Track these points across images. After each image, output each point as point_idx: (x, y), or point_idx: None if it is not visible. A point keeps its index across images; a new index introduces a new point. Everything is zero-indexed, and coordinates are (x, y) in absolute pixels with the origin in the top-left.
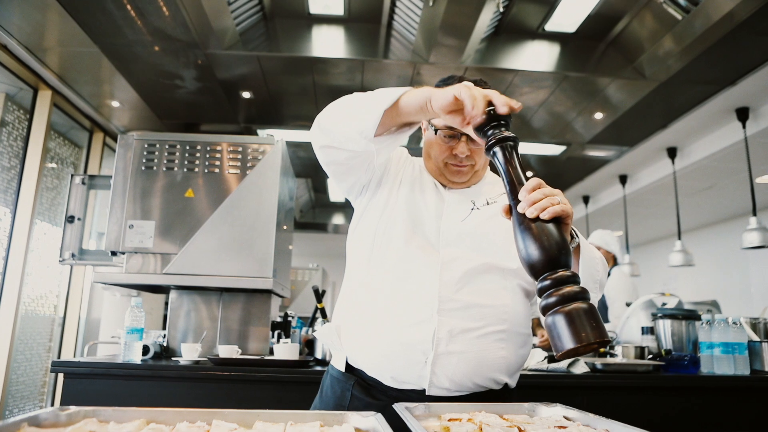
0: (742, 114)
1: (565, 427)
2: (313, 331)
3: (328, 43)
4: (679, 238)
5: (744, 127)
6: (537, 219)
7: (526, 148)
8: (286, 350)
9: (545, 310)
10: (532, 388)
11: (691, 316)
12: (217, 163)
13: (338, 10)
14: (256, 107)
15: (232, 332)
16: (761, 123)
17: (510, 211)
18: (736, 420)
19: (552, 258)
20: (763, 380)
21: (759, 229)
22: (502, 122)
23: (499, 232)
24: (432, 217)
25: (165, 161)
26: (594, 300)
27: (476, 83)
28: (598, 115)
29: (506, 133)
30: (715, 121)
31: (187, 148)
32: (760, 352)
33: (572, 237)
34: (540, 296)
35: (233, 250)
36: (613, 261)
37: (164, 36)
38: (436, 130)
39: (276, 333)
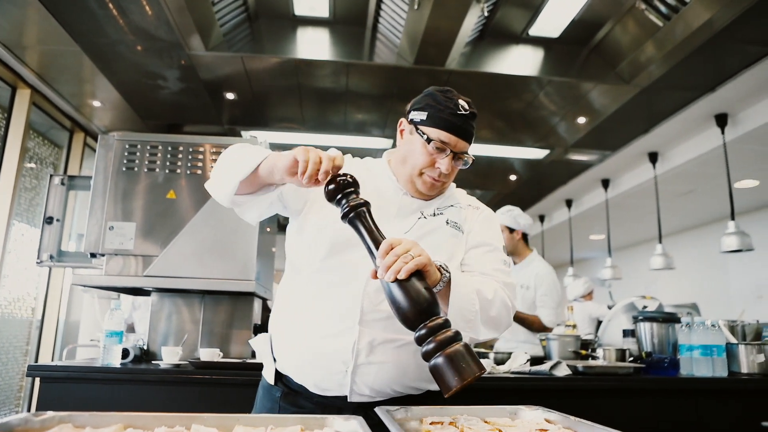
0: (721, 120)
1: (546, 430)
2: None
3: (313, 45)
4: (660, 242)
5: (723, 132)
6: (397, 279)
7: (510, 151)
8: None
9: (426, 356)
10: (514, 391)
11: (671, 318)
12: (200, 164)
13: (323, 12)
14: (239, 108)
15: (214, 335)
16: (739, 129)
17: (377, 273)
18: (715, 421)
19: (421, 311)
20: (740, 382)
21: (737, 233)
22: (350, 189)
23: (435, 244)
24: None
25: (146, 162)
26: (482, 333)
27: None
28: (581, 120)
29: (358, 200)
30: (695, 127)
31: (169, 149)
32: (737, 354)
33: (442, 272)
34: (419, 345)
35: (215, 252)
36: (522, 237)
37: (147, 36)
38: (429, 140)
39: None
